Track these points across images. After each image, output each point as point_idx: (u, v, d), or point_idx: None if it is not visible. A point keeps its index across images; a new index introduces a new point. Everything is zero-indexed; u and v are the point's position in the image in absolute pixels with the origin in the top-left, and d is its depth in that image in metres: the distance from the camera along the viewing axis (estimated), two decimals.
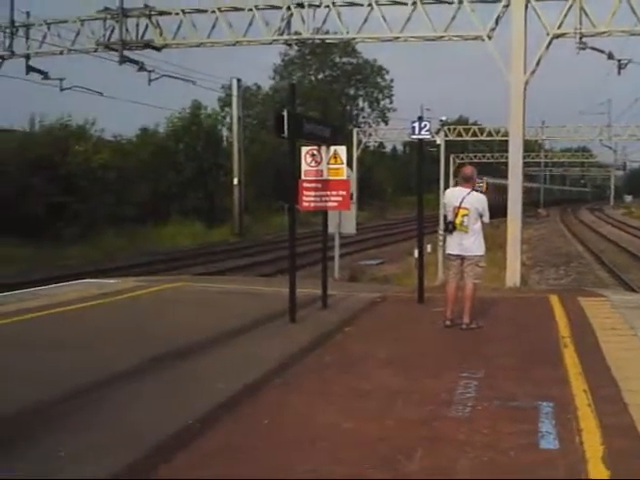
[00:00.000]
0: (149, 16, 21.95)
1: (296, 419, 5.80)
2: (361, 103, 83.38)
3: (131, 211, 34.13)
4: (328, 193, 10.57)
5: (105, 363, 7.28)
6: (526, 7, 17.63)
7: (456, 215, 9.54)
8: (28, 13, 23.99)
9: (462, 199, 9.52)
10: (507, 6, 18.03)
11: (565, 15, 17.78)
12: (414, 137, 11.91)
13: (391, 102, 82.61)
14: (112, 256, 26.92)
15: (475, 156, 67.39)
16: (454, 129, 56.42)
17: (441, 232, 17.80)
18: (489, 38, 18.41)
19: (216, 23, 21.37)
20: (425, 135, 11.73)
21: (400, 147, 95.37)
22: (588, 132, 55.43)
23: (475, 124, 68.65)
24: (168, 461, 4.84)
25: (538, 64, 17.87)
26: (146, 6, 21.98)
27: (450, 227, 9.63)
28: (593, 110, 78.34)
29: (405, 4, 19.43)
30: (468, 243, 9.53)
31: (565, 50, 19.05)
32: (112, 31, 22.29)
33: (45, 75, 24.39)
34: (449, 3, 19.04)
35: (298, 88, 14.81)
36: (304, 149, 10.60)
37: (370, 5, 19.75)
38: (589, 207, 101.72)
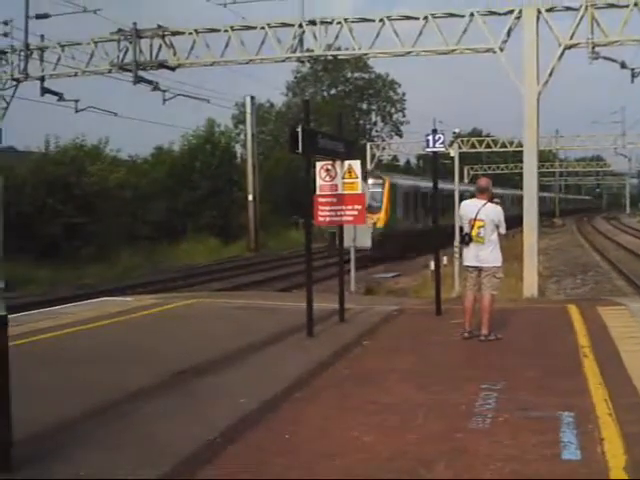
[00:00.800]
0: (162, 36, 22.17)
1: (317, 433, 5.81)
2: (374, 117, 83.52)
3: (147, 229, 34.27)
4: (343, 207, 10.61)
5: (125, 380, 7.31)
6: (538, 19, 17.71)
7: (472, 227, 9.55)
8: (42, 36, 24.28)
9: (478, 211, 9.53)
10: (519, 18, 18.11)
11: (577, 26, 17.82)
12: (428, 150, 11.95)
13: (404, 115, 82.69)
14: (129, 274, 27.05)
15: (489, 167, 67.25)
16: (468, 141, 56.36)
17: (457, 244, 17.80)
18: (501, 50, 18.48)
19: (229, 42, 21.57)
20: (440, 148, 11.77)
21: (414, 160, 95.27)
22: (602, 140, 55.24)
23: (488, 136, 68.54)
24: (191, 478, 4.85)
25: (551, 75, 17.92)
26: (159, 26, 22.20)
27: (466, 239, 9.64)
28: (607, 119, 78.14)
29: (417, 18, 19.55)
30: (485, 254, 9.53)
31: (578, 60, 19.08)
32: (126, 52, 22.52)
33: (60, 97, 24.60)
34: (460, 16, 19.14)
35: (311, 104, 14.88)
36: (319, 164, 10.64)
37: (382, 20, 19.87)
38: (605, 216, 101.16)
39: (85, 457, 5.16)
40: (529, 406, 6.34)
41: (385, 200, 32.59)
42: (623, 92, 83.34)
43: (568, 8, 17.98)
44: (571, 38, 17.97)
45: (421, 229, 33.03)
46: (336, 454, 5.29)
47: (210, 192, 40.53)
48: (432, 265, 15.36)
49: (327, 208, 10.61)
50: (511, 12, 18.32)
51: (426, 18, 19.32)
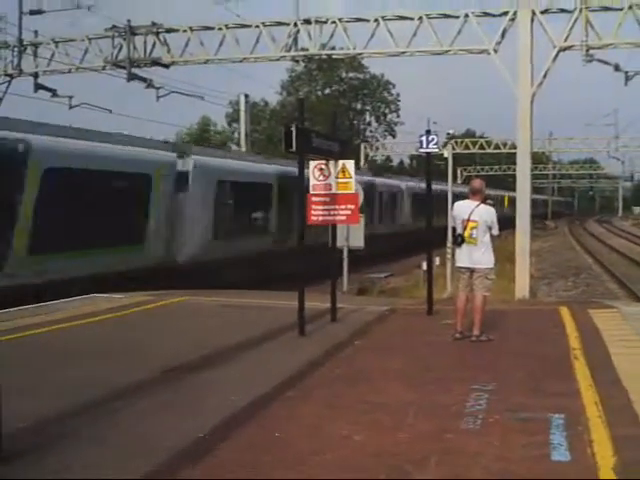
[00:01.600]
0: (157, 33, 22.13)
1: (307, 432, 5.80)
2: (368, 117, 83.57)
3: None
4: (336, 207, 10.60)
5: (116, 376, 7.30)
6: (532, 20, 17.74)
7: (465, 228, 9.55)
8: (36, 32, 24.20)
9: (471, 212, 9.54)
10: (513, 19, 18.14)
11: (571, 28, 17.86)
12: (422, 151, 11.96)
13: (398, 116, 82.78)
14: None
15: (482, 169, 67.42)
16: (461, 142, 56.46)
17: (449, 245, 17.83)
18: (495, 52, 18.50)
19: (223, 40, 21.54)
20: (433, 149, 11.78)
21: (407, 160, 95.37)
22: (596, 144, 55.44)
23: (482, 137, 68.69)
24: (179, 476, 4.84)
25: (545, 77, 17.95)
26: (154, 24, 22.15)
27: (459, 240, 9.65)
28: (600, 121, 78.52)
29: (411, 19, 19.57)
30: (477, 255, 9.54)
31: (572, 62, 19.12)
32: (120, 49, 22.47)
33: (54, 93, 24.55)
34: (455, 17, 19.16)
35: (305, 103, 14.92)
36: (312, 163, 10.64)
37: (376, 20, 19.88)
38: (597, 219, 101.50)
39: (75, 452, 5.15)
40: (519, 407, 6.34)
41: None
42: (617, 95, 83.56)
43: (562, 10, 18.01)
44: (565, 40, 18.00)
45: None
46: (326, 452, 5.28)
47: None
48: (424, 265, 15.40)
49: (320, 207, 10.60)
50: (506, 13, 18.34)
51: (421, 18, 19.34)
